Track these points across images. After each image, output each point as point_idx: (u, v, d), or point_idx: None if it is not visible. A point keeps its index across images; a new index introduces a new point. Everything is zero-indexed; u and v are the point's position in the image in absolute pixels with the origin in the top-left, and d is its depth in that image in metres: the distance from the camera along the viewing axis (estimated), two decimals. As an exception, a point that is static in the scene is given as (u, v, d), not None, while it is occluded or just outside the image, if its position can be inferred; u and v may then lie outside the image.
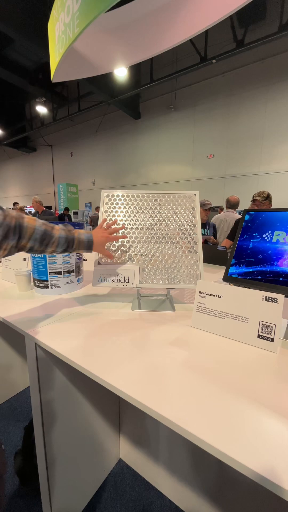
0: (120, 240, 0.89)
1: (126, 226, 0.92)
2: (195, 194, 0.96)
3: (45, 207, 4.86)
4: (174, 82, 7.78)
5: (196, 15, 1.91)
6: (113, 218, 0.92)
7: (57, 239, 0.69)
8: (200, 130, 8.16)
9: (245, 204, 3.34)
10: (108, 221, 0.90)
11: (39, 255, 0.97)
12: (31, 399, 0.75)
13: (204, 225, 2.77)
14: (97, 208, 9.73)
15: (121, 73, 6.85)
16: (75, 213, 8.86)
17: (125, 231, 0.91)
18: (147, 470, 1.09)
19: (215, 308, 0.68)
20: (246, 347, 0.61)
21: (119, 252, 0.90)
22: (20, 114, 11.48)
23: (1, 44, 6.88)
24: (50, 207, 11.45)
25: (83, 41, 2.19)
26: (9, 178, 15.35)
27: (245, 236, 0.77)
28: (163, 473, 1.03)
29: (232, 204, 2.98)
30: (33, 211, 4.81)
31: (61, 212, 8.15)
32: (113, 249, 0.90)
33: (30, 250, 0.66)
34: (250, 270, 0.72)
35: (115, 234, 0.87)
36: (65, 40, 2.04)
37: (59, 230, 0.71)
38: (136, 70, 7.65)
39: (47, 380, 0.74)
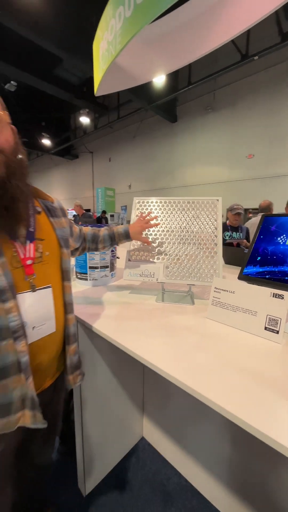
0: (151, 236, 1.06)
1: (153, 228, 1.05)
2: (217, 200, 1.04)
3: (84, 210, 5.29)
4: (213, 82, 7.67)
5: (238, 16, 1.90)
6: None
7: (103, 237, 0.94)
8: (240, 129, 7.88)
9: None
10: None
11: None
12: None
13: (236, 229, 2.75)
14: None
15: (159, 80, 7.05)
16: (112, 216, 9.33)
17: (155, 234, 1.05)
18: (167, 450, 1.19)
19: (228, 302, 0.77)
20: (254, 337, 0.69)
21: (151, 250, 1.04)
22: (66, 125, 12.58)
23: (52, 64, 7.72)
24: (89, 210, 12.24)
25: (124, 55, 2.36)
26: (54, 183, 16.85)
27: (261, 239, 0.83)
28: (182, 455, 1.12)
29: (262, 208, 2.91)
30: (74, 213, 5.27)
31: (99, 214, 8.69)
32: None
33: (89, 250, 0.94)
34: (262, 270, 0.78)
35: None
36: (107, 57, 2.24)
37: (103, 230, 0.96)
38: (174, 74, 7.78)
39: (86, 354, 0.91)
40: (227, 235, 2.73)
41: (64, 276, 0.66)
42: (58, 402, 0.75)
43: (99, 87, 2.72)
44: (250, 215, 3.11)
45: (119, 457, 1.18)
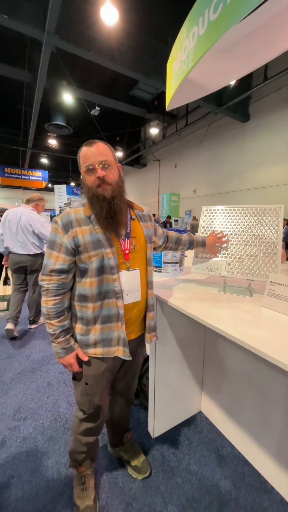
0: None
1: (218, 231, 1.27)
2: (280, 207, 1.17)
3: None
4: (294, 72, 6.98)
5: None
6: (210, 226, 1.30)
7: (184, 241, 1.22)
8: None
9: None
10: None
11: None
12: (149, 335, 1.23)
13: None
14: (194, 217, 10.21)
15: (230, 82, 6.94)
16: (176, 220, 9.62)
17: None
18: (223, 425, 1.37)
19: (281, 294, 0.91)
20: (303, 323, 0.82)
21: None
22: (136, 137, 13.74)
23: (129, 86, 8.69)
24: (154, 215, 12.93)
25: (195, 69, 2.52)
26: (124, 191, 18.50)
27: None
28: (237, 431, 1.28)
29: None
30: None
31: (164, 219, 9.13)
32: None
33: (170, 249, 1.22)
34: (315, 267, 0.88)
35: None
36: (180, 74, 2.43)
37: (185, 236, 1.23)
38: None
39: (160, 328, 1.21)
40: None
41: (148, 262, 0.94)
42: (140, 354, 1.05)
43: (170, 102, 2.95)
44: None
45: (179, 420, 1.43)
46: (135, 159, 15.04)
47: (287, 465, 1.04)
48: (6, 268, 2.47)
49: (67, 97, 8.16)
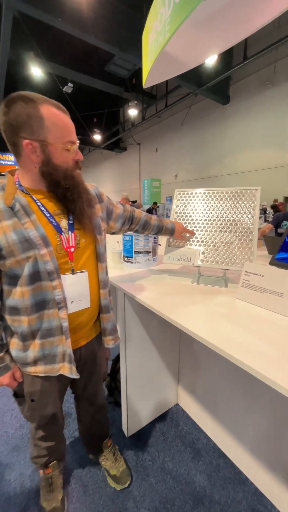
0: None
1: (192, 217, 1.16)
2: (256, 190, 1.07)
3: (131, 201, 5.56)
4: (274, 53, 6.83)
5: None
6: (183, 211, 1.19)
7: (153, 226, 1.07)
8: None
9: None
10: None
11: (129, 238, 1.34)
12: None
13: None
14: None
15: (210, 60, 6.65)
16: (157, 206, 9.48)
17: (194, 223, 1.16)
18: (199, 416, 1.33)
19: (256, 284, 0.84)
20: (278, 316, 0.75)
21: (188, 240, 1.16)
22: (115, 119, 13.06)
23: (104, 61, 8.05)
24: (135, 201, 12.65)
25: (172, 42, 2.27)
26: (104, 177, 17.84)
27: (296, 227, 0.85)
28: (212, 422, 1.25)
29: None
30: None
31: (150, 206, 8.97)
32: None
33: (136, 231, 1.07)
34: (292, 255, 0.81)
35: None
36: (156, 47, 2.20)
37: (155, 220, 1.08)
38: (227, 50, 7.20)
39: (131, 325, 1.11)
40: (286, 225, 2.52)
41: (99, 258, 0.77)
42: (101, 357, 0.91)
43: (147, 78, 2.67)
44: None
45: (156, 414, 1.38)
46: (115, 143, 14.40)
47: (261, 454, 1.02)
48: None
49: (36, 71, 7.40)
